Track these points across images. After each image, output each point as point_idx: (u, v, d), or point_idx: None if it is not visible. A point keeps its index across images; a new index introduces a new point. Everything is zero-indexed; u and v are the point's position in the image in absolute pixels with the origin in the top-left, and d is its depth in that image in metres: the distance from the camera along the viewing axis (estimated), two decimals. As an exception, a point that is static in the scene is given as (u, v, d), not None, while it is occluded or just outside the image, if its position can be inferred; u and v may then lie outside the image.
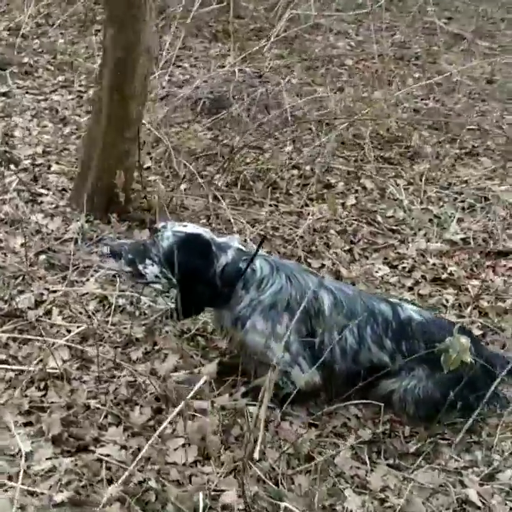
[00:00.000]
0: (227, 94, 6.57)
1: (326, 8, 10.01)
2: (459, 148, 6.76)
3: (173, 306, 3.70)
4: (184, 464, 3.30)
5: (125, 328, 4.28)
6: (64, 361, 3.96)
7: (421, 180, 5.90)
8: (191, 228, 3.62)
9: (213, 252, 3.54)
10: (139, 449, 3.33)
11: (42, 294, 4.44)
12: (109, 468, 3.27)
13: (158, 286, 3.72)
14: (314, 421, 3.64)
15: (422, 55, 9.83)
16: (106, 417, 3.58)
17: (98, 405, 3.62)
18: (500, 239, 5.28)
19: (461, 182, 6.12)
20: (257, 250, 3.44)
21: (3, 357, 3.95)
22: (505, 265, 5.08)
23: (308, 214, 5.33)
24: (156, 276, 3.63)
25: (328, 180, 5.97)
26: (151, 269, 3.61)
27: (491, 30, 11.29)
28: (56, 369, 3.86)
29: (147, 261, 3.61)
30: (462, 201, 5.81)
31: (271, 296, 3.53)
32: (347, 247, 5.07)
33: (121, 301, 4.45)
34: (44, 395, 3.72)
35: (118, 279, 4.55)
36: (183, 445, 3.44)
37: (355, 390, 3.60)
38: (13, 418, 3.52)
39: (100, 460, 3.29)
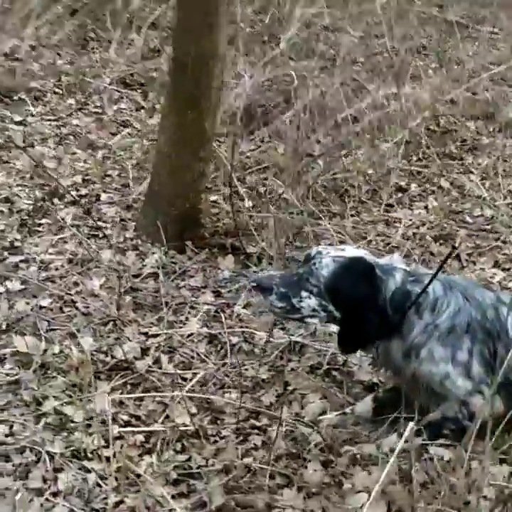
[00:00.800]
0: (267, 101, 6.10)
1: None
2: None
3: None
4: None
5: (246, 369, 3.81)
6: (192, 415, 3.47)
7: (496, 174, 5.54)
8: (351, 251, 3.20)
9: (379, 276, 3.12)
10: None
11: (144, 340, 3.94)
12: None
13: (314, 321, 3.29)
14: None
15: (428, 45, 9.56)
16: (272, 477, 3.11)
17: (259, 465, 3.14)
18: None
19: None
20: (440, 268, 3.02)
21: (125, 417, 3.45)
22: None
23: (396, 221, 4.92)
24: (314, 310, 3.19)
25: (396, 183, 5.58)
26: (308, 303, 3.17)
27: (485, 15, 11.09)
28: (188, 425, 3.38)
29: (303, 293, 3.18)
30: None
31: (448, 319, 3.13)
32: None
33: (234, 340, 3.98)
34: (188, 459, 3.23)
35: (222, 315, 4.09)
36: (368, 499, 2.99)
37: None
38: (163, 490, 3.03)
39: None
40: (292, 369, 3.86)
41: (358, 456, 3.24)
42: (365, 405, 3.53)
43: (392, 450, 3.23)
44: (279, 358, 3.90)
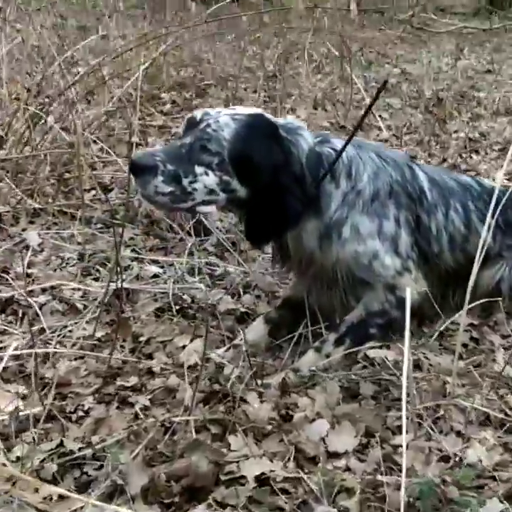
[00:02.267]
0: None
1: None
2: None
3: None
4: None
5: (70, 331, 2.76)
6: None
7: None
8: (244, 109, 2.42)
9: (285, 136, 2.40)
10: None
11: None
12: None
13: (209, 209, 2.40)
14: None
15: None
16: (202, 430, 2.17)
17: (178, 418, 2.17)
18: None
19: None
20: (363, 118, 2.37)
21: None
22: None
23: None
24: (211, 192, 2.33)
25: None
26: (205, 181, 2.31)
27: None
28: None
29: (198, 169, 2.30)
30: None
31: (369, 183, 2.52)
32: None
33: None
34: (59, 445, 2.13)
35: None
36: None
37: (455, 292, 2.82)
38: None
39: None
40: (133, 317, 2.89)
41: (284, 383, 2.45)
42: (256, 330, 2.75)
43: (313, 370, 2.55)
44: (105, 312, 2.87)
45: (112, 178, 3.95)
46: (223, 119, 2.32)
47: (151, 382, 2.49)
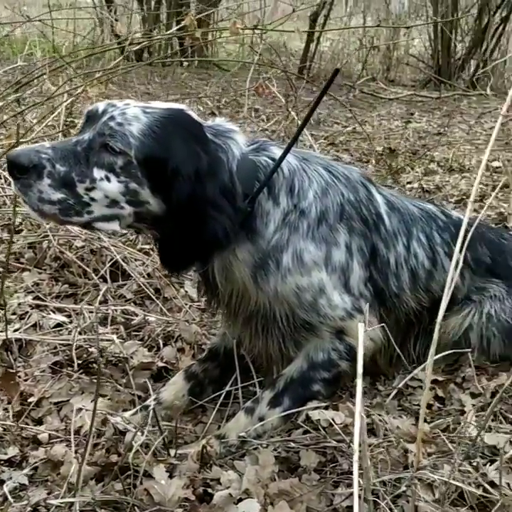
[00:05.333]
0: None
1: None
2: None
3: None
4: None
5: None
6: None
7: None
8: (162, 104, 1.95)
9: (211, 139, 1.94)
10: None
11: None
12: None
13: (112, 227, 1.90)
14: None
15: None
16: None
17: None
18: None
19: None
20: (305, 122, 1.91)
21: None
22: None
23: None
24: (113, 203, 1.85)
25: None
26: (106, 189, 1.82)
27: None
28: None
29: (96, 172, 1.81)
30: None
31: (317, 201, 2.06)
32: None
33: None
34: None
35: None
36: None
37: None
38: None
39: None
40: (25, 374, 2.35)
41: (205, 453, 1.92)
42: (174, 388, 2.23)
43: (243, 437, 2.05)
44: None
45: (23, 219, 3.42)
46: (132, 112, 1.85)
47: (33, 453, 1.94)
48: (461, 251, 1.90)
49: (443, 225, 2.38)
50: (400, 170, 5.21)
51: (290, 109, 4.85)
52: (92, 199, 1.82)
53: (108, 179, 1.82)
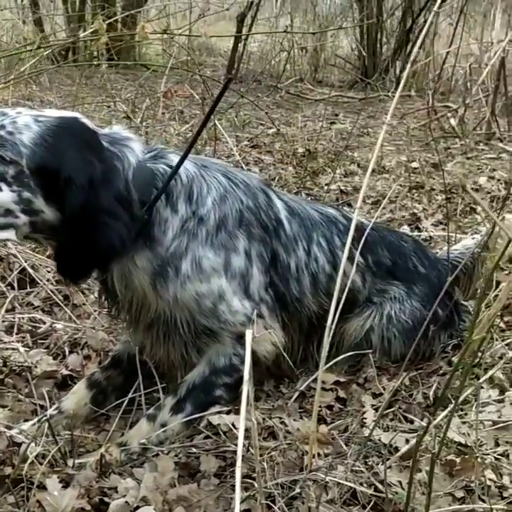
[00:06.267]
0: None
1: None
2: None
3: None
4: None
5: None
6: None
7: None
8: (55, 112, 1.94)
9: (107, 147, 1.94)
10: None
11: None
12: None
13: (8, 235, 1.88)
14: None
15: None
16: None
17: None
18: None
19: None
20: (206, 120, 1.93)
21: None
22: None
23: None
24: (7, 212, 1.83)
25: None
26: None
27: None
28: None
29: (-17, 182, 1.79)
30: None
31: (215, 208, 2.08)
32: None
33: None
34: None
35: None
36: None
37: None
38: None
39: None
40: None
41: (104, 462, 1.93)
42: (77, 397, 2.22)
43: (144, 444, 2.06)
44: None
45: None
46: (23, 120, 1.84)
47: None
48: (353, 249, 1.97)
49: (343, 229, 2.43)
50: (320, 171, 5.28)
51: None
52: None
53: (0, 189, 1.80)
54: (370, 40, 11.42)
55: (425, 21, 11.08)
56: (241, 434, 1.45)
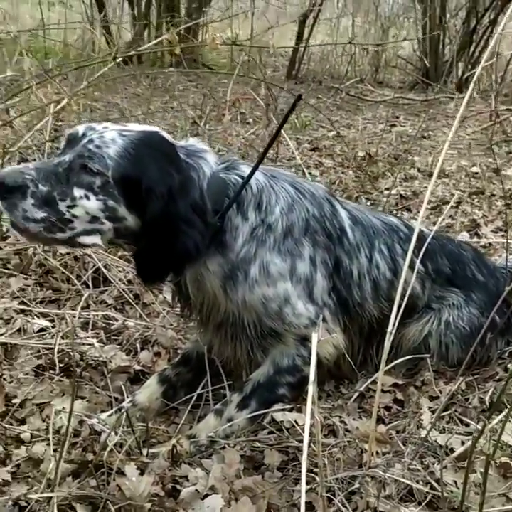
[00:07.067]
0: None
1: None
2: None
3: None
4: None
5: None
6: None
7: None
8: (138, 126, 2.10)
9: (184, 159, 2.08)
10: None
11: None
12: None
13: (94, 240, 2.04)
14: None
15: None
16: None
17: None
18: None
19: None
20: (277, 134, 2.06)
21: None
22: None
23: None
24: (94, 219, 1.99)
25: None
26: (86, 207, 1.97)
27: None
28: None
29: (77, 192, 1.96)
30: None
31: (283, 216, 2.21)
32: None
33: None
34: None
35: None
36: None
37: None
38: None
39: None
40: (10, 376, 2.48)
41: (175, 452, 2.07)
42: (149, 391, 2.38)
43: (212, 437, 2.19)
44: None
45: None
46: (109, 135, 2.00)
47: (16, 451, 2.08)
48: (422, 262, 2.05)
49: (404, 237, 2.53)
50: (380, 175, 5.35)
51: (272, 117, 4.99)
52: (74, 216, 1.97)
53: (87, 197, 1.97)
54: (432, 41, 11.38)
55: (490, 22, 11.01)
56: (306, 431, 1.56)
